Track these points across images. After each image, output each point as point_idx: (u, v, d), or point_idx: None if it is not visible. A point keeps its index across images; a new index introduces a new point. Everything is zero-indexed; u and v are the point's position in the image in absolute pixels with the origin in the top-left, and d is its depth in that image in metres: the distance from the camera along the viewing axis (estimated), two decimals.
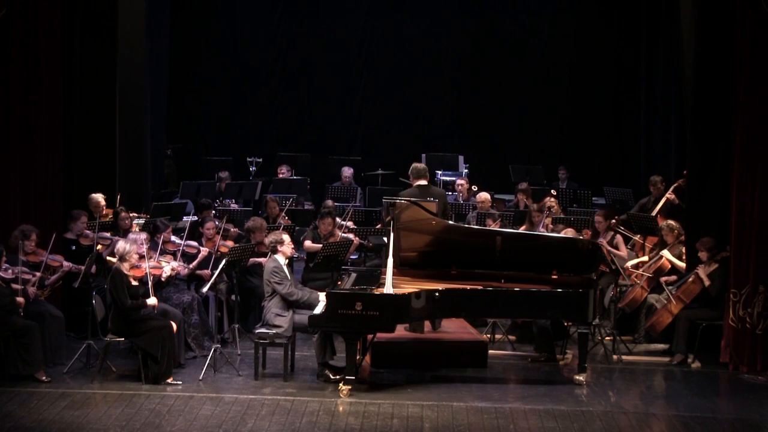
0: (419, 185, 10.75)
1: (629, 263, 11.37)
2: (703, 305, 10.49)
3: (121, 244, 9.47)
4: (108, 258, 10.43)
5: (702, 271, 10.37)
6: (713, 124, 10.64)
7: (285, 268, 9.68)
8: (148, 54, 13.46)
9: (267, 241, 9.90)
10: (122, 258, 9.40)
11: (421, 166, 11.05)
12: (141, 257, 9.59)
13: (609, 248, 11.48)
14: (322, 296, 9.51)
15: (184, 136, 17.26)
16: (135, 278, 9.48)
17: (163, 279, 9.92)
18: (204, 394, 9.10)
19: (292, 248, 9.99)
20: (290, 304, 9.56)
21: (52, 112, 10.90)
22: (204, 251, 10.90)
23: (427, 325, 10.35)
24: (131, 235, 10.33)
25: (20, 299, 9.52)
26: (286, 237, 9.82)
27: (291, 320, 9.56)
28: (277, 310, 9.56)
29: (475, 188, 13.94)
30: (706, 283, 10.33)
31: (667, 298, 10.61)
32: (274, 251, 9.74)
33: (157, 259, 10.09)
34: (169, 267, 10.01)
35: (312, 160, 16.31)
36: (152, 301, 9.48)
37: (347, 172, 15.15)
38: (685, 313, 10.45)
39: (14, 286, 9.55)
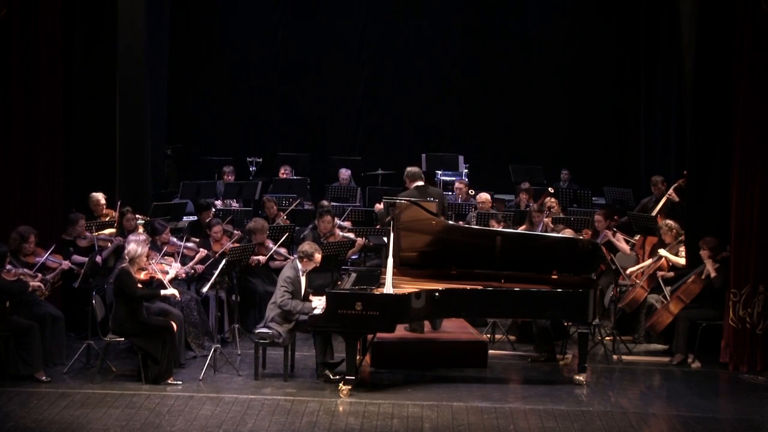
0: (417, 186, 10.73)
1: (631, 269, 11.35)
2: (703, 305, 10.50)
3: (133, 247, 9.42)
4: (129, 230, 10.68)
5: (709, 264, 10.33)
6: (713, 124, 10.66)
7: (302, 280, 9.64)
8: (148, 54, 13.46)
9: (302, 248, 9.74)
10: (132, 261, 9.38)
11: (416, 168, 11.01)
12: (147, 260, 9.59)
13: (615, 242, 11.56)
14: (315, 304, 9.52)
15: (184, 136, 17.25)
16: (140, 281, 9.46)
17: (166, 282, 9.90)
18: (204, 394, 9.10)
19: (316, 266, 9.84)
20: (286, 313, 9.55)
21: (52, 113, 10.89)
22: (202, 252, 10.91)
23: (427, 325, 10.36)
24: (132, 237, 10.30)
25: (34, 284, 9.58)
26: (318, 256, 9.70)
27: (288, 332, 9.52)
28: (279, 318, 9.55)
29: (472, 192, 13.95)
30: (713, 274, 10.31)
31: (666, 298, 10.61)
32: (303, 259, 9.64)
33: (159, 261, 10.08)
34: (174, 271, 10.00)
35: (312, 160, 16.31)
36: (170, 291, 9.55)
37: (345, 174, 15.15)
38: (685, 313, 10.45)
39: None
